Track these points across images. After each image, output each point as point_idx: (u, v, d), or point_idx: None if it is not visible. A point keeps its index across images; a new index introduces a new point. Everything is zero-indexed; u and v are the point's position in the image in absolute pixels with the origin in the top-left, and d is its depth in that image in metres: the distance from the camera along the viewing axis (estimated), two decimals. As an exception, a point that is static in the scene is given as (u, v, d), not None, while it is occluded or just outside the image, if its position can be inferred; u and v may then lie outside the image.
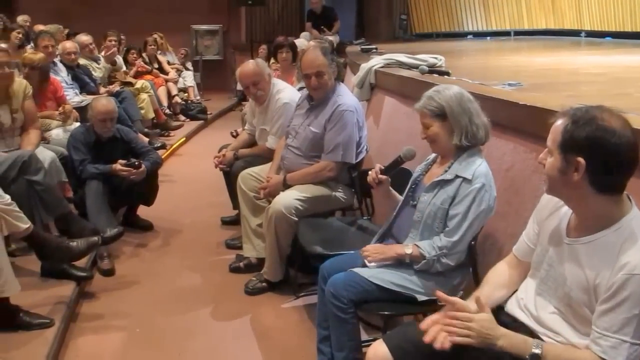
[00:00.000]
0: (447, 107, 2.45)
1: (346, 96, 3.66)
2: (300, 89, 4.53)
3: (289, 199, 3.50)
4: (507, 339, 1.72)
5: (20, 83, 4.14)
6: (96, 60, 7.31)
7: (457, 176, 2.45)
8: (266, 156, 4.12)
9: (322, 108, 3.61)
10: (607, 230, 1.67)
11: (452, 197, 2.44)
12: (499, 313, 1.95)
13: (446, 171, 2.50)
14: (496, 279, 2.04)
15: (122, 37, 9.15)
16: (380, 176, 2.70)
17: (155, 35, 9.53)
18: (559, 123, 1.69)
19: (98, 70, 7.15)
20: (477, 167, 2.43)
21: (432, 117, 2.48)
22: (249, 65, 4.20)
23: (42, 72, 5.03)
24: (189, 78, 10.14)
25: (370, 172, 2.74)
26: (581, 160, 1.62)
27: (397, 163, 2.72)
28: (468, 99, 2.49)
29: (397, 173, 2.77)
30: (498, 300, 1.99)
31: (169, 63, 9.68)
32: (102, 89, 6.71)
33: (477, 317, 1.75)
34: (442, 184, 2.49)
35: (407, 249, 2.52)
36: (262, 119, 4.30)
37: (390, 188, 2.78)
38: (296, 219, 3.47)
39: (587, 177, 1.63)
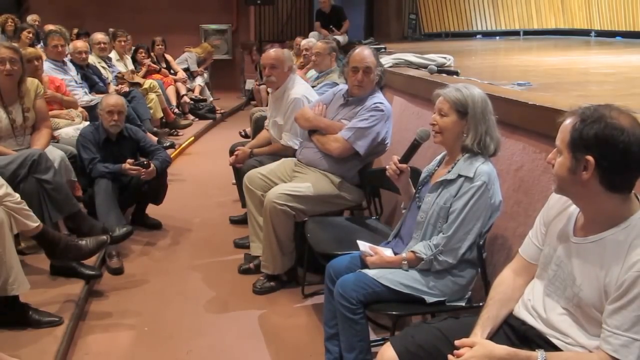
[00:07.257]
0: (471, 107, 2.44)
1: (385, 101, 3.68)
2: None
3: (285, 189, 3.57)
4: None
5: (32, 82, 4.13)
6: (105, 59, 7.34)
7: (459, 175, 2.45)
8: (281, 154, 4.13)
9: (358, 106, 3.62)
10: (615, 228, 1.66)
11: (454, 195, 2.45)
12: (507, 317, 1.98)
13: (449, 171, 2.50)
14: (501, 296, 2.00)
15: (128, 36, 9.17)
16: (400, 165, 2.69)
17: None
18: (568, 122, 1.68)
19: (105, 70, 7.17)
20: (480, 166, 2.43)
21: (452, 109, 2.47)
22: (274, 50, 4.35)
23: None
24: (199, 79, 10.22)
25: (388, 166, 2.73)
26: (590, 158, 1.61)
27: (414, 147, 2.72)
28: (490, 110, 2.48)
29: (412, 174, 2.77)
30: (505, 317, 1.98)
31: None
32: (111, 89, 6.73)
33: (471, 354, 1.77)
34: (446, 184, 2.49)
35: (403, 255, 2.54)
36: (274, 109, 4.30)
37: (409, 181, 2.77)
38: (291, 211, 3.52)
39: (596, 176, 1.63)
